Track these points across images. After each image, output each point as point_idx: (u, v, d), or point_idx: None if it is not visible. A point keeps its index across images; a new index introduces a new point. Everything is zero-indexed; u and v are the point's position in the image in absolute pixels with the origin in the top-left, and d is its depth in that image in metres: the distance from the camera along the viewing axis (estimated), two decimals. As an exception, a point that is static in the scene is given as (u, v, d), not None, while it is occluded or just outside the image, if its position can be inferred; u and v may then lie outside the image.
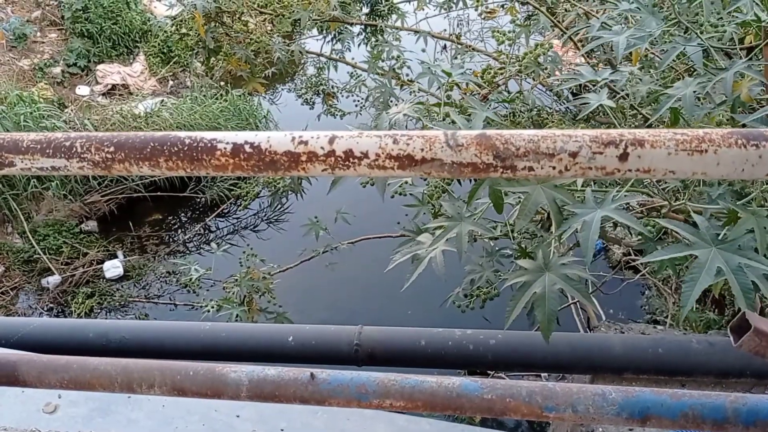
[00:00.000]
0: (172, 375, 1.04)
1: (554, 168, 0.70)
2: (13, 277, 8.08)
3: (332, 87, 5.13)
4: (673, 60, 1.84)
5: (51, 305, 7.74)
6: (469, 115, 1.86)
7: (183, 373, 1.04)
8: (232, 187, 8.69)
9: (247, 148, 0.77)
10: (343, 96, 5.10)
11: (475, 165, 0.72)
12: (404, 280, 1.97)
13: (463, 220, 1.66)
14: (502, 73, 2.70)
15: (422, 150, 0.72)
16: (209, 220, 8.80)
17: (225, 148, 0.78)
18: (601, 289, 5.15)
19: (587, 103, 1.96)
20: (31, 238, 8.11)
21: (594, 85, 2.17)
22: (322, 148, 0.75)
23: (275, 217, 8.77)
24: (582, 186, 1.62)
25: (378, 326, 2.33)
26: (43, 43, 10.73)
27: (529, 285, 1.41)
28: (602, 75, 2.04)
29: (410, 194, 2.40)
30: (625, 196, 1.48)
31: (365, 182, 3.33)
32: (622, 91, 2.33)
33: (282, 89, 10.71)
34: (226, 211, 8.92)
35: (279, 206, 8.50)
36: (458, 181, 2.46)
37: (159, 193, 8.82)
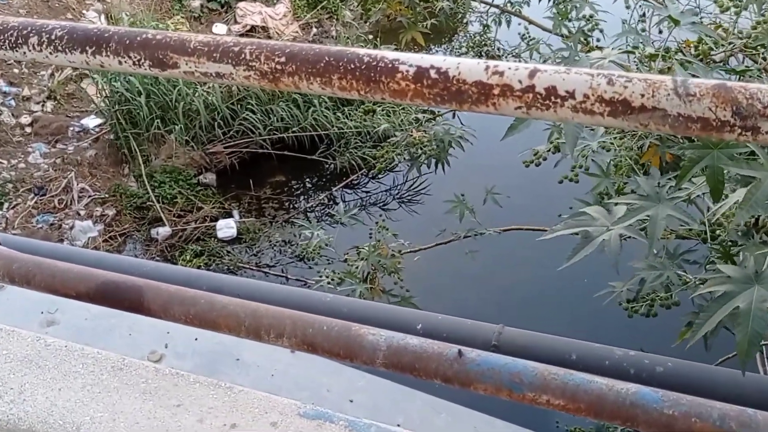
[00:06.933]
0: (304, 327, 1.08)
1: (811, 136, 0.66)
2: (123, 223, 8.73)
3: (498, 49, 5.07)
4: None
5: (158, 258, 8.30)
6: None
7: (316, 327, 1.08)
8: (365, 156, 8.87)
9: (432, 73, 0.78)
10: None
11: (707, 121, 0.68)
12: (550, 286, 1.93)
13: (662, 202, 1.57)
14: (723, 45, 2.54)
15: (642, 96, 0.70)
16: (336, 190, 9.05)
17: (407, 71, 0.79)
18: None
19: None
20: (147, 183, 8.72)
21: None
22: (519, 81, 0.75)
23: (408, 197, 8.88)
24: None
25: (522, 329, 2.30)
26: (186, -27, 11.44)
27: (731, 297, 1.32)
28: None
29: (593, 161, 2.33)
30: None
31: (530, 161, 3.27)
32: None
33: (436, 50, 10.78)
34: (355, 182, 9.13)
35: (414, 181, 8.58)
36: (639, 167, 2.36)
37: (286, 153, 9.16)
